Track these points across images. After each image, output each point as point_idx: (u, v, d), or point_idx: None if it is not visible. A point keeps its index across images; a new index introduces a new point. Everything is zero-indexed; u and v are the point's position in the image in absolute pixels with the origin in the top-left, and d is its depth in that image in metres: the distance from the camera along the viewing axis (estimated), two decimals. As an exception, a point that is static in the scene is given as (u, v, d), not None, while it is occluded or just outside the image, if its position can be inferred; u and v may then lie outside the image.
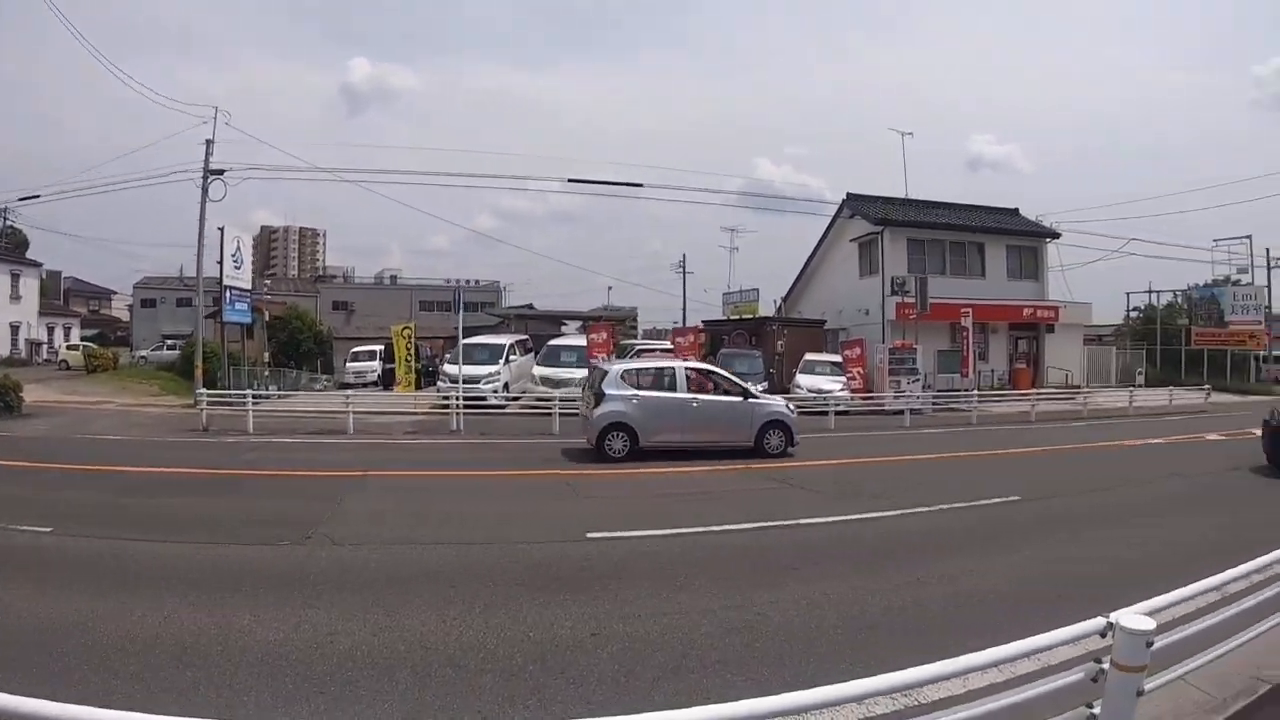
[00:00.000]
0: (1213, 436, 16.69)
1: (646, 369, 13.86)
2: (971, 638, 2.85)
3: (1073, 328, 29.02)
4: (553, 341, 22.55)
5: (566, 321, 37.72)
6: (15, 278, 40.99)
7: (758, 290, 35.06)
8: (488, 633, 4.55)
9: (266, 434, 15.63)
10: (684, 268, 44.77)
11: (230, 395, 19.02)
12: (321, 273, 70.23)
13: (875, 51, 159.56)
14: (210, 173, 25.87)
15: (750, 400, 12.91)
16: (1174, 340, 36.30)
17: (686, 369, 13.55)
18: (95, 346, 41.78)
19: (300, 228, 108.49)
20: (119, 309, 62.55)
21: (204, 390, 18.68)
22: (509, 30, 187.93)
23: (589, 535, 7.02)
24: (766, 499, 9.19)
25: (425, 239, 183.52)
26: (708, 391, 12.91)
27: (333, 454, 13.13)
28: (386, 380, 27.39)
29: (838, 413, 20.03)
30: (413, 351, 22.35)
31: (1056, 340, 28.25)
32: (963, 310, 23.11)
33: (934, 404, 21.46)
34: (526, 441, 15.48)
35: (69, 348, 41.31)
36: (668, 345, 29.62)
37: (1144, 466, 12.60)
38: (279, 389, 28.28)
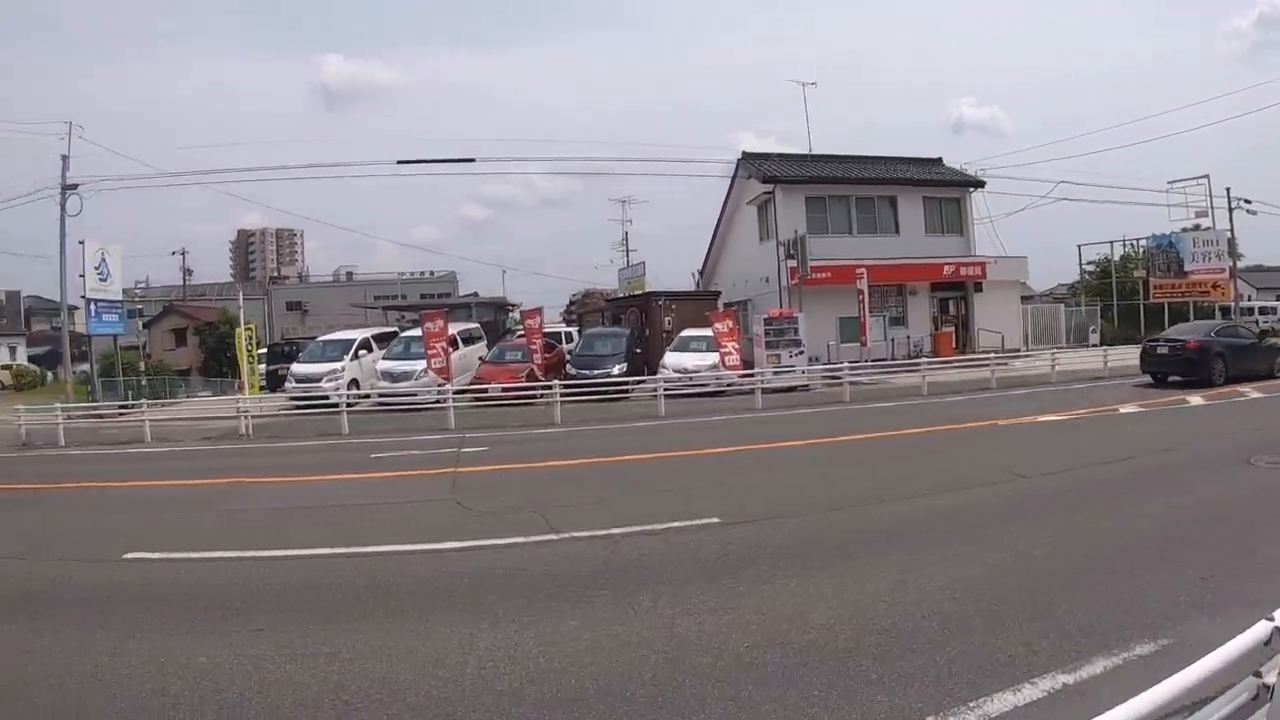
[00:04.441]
0: (1127, 409, 13.06)
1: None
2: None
3: (1006, 285, 26.37)
4: (404, 334, 20.85)
5: (512, 308, 36.19)
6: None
7: (644, 264, 35.13)
8: None
9: (75, 446, 15.73)
10: (626, 245, 43.22)
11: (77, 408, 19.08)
12: (281, 274, 69.51)
13: (841, 20, 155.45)
14: (66, 188, 25.43)
15: None
16: (1133, 295, 33.58)
17: None
18: (26, 364, 43.12)
19: (277, 229, 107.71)
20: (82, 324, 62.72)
21: (21, 407, 18.23)
22: (460, 18, 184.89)
23: (125, 556, 6.26)
24: (381, 517, 7.48)
25: (412, 232, 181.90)
26: None
27: (71, 465, 12.66)
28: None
29: (710, 394, 18.16)
30: (254, 353, 21.02)
31: (987, 300, 25.63)
32: (858, 271, 20.75)
33: (824, 379, 19.35)
34: (307, 444, 14.27)
35: (2, 367, 41.81)
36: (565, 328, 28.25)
37: (976, 463, 8.91)
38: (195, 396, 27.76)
